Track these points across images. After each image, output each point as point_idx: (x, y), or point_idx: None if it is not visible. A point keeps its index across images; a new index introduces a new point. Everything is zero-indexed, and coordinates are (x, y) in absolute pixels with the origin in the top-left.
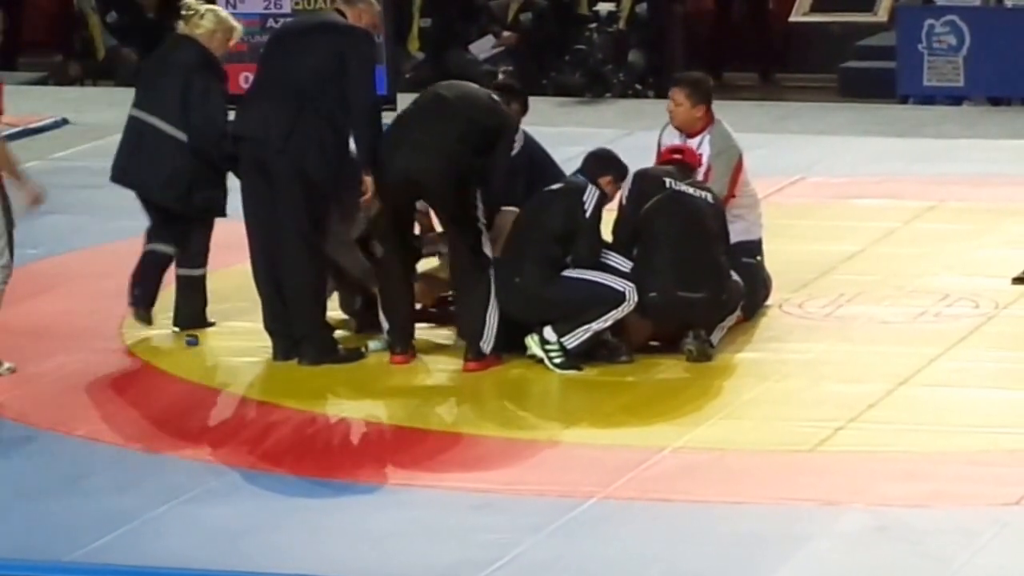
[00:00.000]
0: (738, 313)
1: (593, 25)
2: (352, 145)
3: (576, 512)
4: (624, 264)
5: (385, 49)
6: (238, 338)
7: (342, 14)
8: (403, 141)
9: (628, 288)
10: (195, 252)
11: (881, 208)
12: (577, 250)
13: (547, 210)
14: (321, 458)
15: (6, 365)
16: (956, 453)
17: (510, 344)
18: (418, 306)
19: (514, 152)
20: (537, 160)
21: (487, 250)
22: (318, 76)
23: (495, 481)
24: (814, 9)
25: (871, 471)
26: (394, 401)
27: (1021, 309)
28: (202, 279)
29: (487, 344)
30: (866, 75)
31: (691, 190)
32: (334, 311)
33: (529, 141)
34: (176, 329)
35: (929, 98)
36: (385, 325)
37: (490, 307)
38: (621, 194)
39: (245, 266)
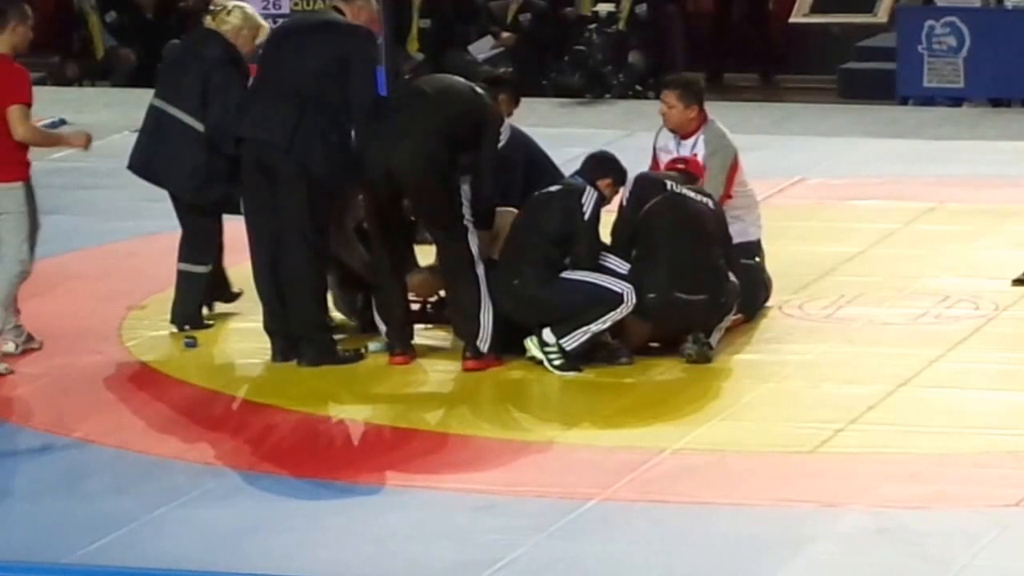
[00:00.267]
0: (738, 315)
1: (593, 26)
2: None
3: (576, 513)
4: (622, 266)
5: (384, 50)
6: (237, 339)
7: (339, 11)
8: (381, 136)
9: (626, 289)
10: (200, 247)
11: (881, 209)
12: (575, 252)
13: (545, 212)
14: (321, 460)
15: (2, 366)
16: (956, 455)
17: (509, 346)
18: (419, 300)
19: (501, 144)
20: (535, 159)
21: (474, 248)
22: (320, 76)
23: (496, 482)
24: (814, 10)
25: (871, 473)
26: (394, 402)
27: (1021, 311)
28: (203, 277)
29: (484, 343)
30: (866, 76)
31: (692, 194)
32: (334, 312)
33: (525, 139)
34: (173, 328)
35: (929, 99)
36: (382, 327)
37: (483, 306)
38: (621, 196)
39: (245, 267)
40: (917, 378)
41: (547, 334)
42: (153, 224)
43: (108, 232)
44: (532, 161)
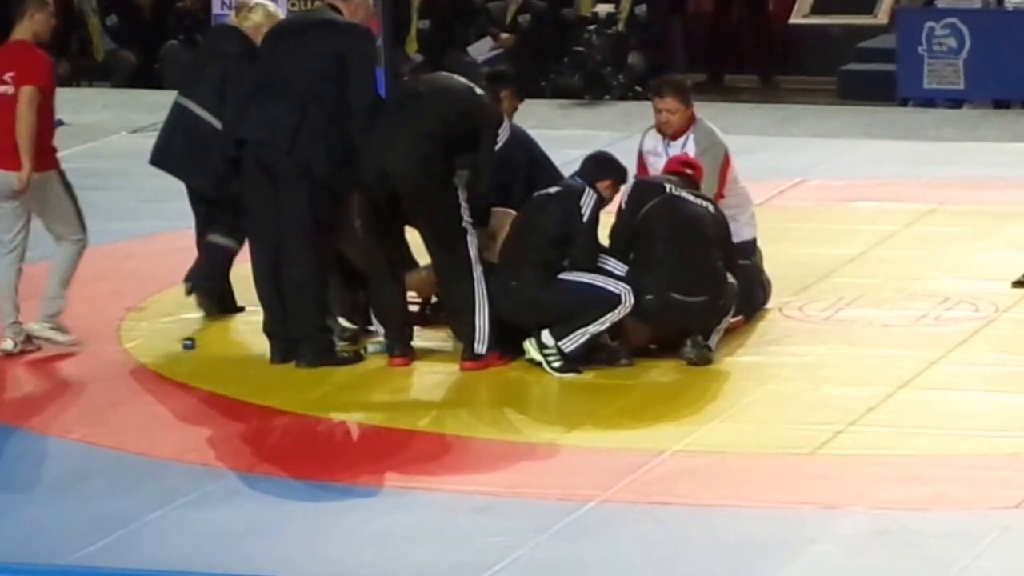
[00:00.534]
0: (737, 316)
1: (592, 27)
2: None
3: (576, 515)
4: (620, 268)
5: (383, 51)
6: (236, 341)
7: (336, 10)
8: (377, 137)
9: (624, 291)
10: (228, 223)
11: (881, 211)
12: (574, 254)
13: (544, 213)
14: (321, 461)
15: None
16: (956, 456)
17: (508, 348)
18: (418, 301)
19: (501, 143)
20: (536, 158)
21: (472, 251)
22: (319, 75)
23: (495, 484)
24: (814, 11)
25: (871, 474)
26: (394, 404)
27: (1021, 312)
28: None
29: (481, 345)
30: (866, 77)
31: (690, 196)
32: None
33: (527, 138)
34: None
35: (929, 101)
36: (381, 328)
37: (477, 308)
38: (620, 199)
39: (245, 269)
40: (917, 380)
41: (546, 336)
42: (152, 225)
43: (106, 233)
44: (534, 160)
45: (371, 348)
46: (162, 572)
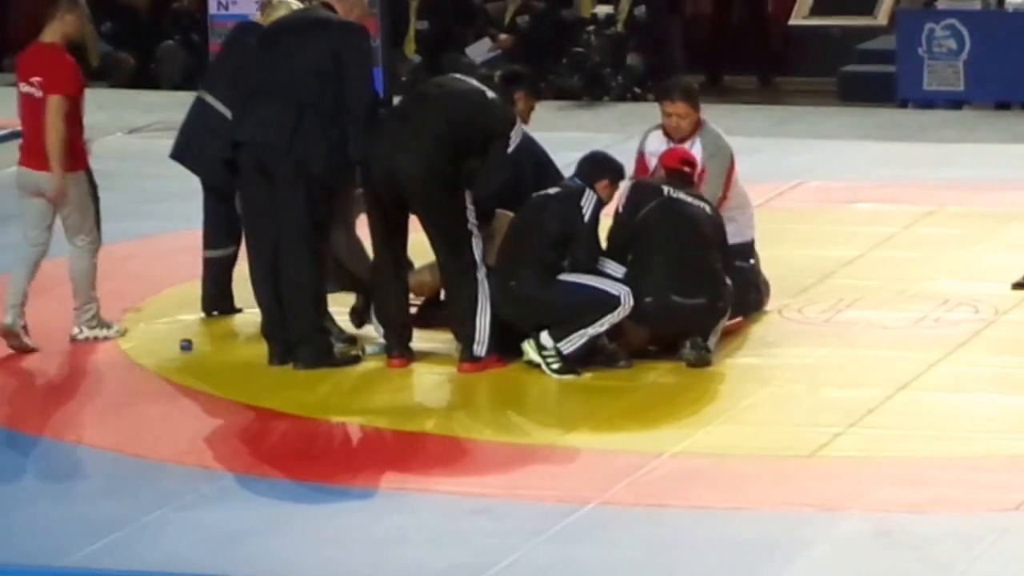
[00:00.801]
0: (737, 317)
1: (591, 28)
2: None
3: (575, 517)
4: (619, 270)
5: (381, 52)
6: (234, 343)
7: (331, 8)
8: (384, 140)
9: (623, 292)
10: (225, 231)
11: (881, 213)
12: (575, 255)
13: (544, 214)
14: (318, 463)
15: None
16: (956, 459)
17: (507, 349)
18: (420, 299)
19: (512, 147)
20: (541, 161)
21: (477, 253)
22: (316, 75)
23: (494, 486)
24: (814, 12)
25: (871, 476)
26: (392, 405)
27: (1021, 314)
28: (227, 259)
29: (480, 347)
30: (866, 79)
31: (688, 198)
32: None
33: (532, 143)
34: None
35: (929, 102)
36: (380, 329)
37: (479, 310)
38: (619, 202)
39: (242, 270)
40: (916, 382)
41: (544, 338)
42: (151, 226)
43: (105, 233)
44: (539, 164)
45: (369, 349)
46: (160, 574)
